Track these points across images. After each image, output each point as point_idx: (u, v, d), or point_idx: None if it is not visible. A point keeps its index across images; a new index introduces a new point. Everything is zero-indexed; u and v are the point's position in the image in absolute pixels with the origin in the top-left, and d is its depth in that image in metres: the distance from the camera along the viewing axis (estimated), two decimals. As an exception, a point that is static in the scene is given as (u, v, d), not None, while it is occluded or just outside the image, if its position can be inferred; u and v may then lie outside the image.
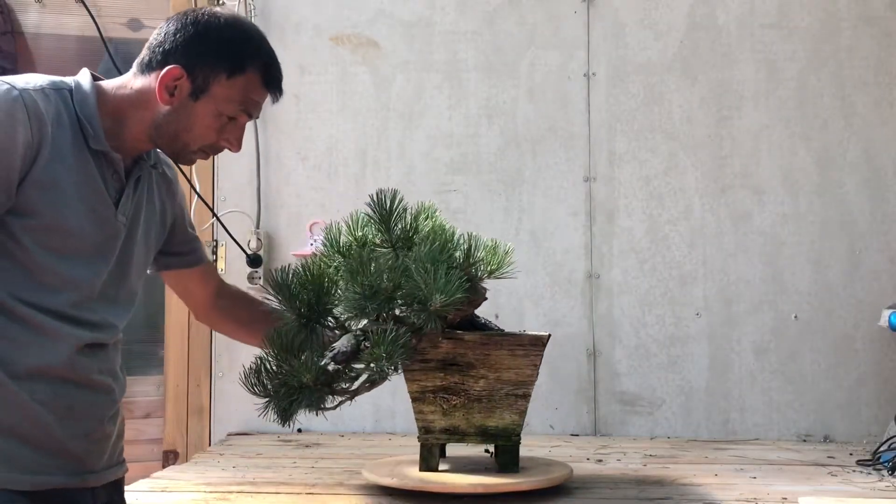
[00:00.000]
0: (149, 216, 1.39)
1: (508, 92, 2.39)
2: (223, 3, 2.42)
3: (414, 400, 1.58)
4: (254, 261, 2.34)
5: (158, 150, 1.37)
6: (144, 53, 1.31)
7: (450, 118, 2.40)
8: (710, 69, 2.37)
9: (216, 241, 2.39)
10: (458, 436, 1.57)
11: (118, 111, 1.30)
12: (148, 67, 1.30)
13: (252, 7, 2.41)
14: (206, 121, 1.31)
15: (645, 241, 2.34)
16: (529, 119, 2.38)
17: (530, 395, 1.55)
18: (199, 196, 2.31)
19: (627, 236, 2.34)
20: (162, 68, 1.27)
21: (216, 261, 2.38)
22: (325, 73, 2.42)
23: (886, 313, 2.17)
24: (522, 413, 1.54)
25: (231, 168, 2.41)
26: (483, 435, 1.56)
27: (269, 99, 1.36)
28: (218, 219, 2.33)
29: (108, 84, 1.32)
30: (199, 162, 2.34)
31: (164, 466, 2.25)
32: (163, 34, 1.30)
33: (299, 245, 2.37)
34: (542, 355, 1.54)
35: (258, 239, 2.36)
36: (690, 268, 2.33)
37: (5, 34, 2.40)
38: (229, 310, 1.59)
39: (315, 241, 2.37)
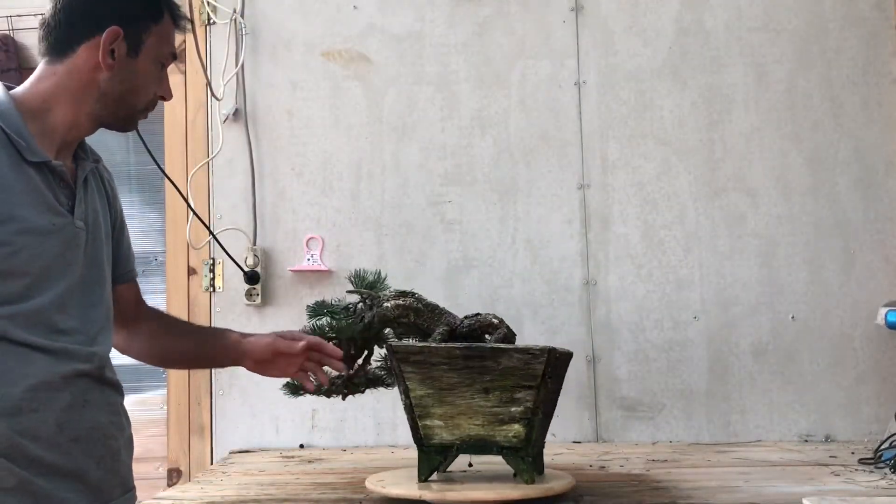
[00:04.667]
0: (104, 214, 1.37)
1: (500, 102, 2.41)
2: (214, 22, 2.43)
3: None
4: (251, 278, 2.34)
5: (104, 128, 1.33)
6: (53, 36, 1.28)
7: (443, 130, 2.41)
8: (699, 74, 2.38)
9: (213, 259, 2.39)
10: None
11: (44, 109, 1.26)
12: (66, 46, 1.27)
13: (242, 24, 2.42)
14: (148, 74, 1.31)
15: (640, 246, 2.35)
16: (522, 128, 2.40)
17: (406, 406, 1.56)
18: (195, 214, 2.32)
19: (623, 242, 2.35)
20: (90, 37, 1.25)
21: (214, 279, 2.39)
22: (318, 89, 2.43)
23: (883, 311, 2.18)
24: (411, 422, 1.57)
25: (226, 185, 2.41)
26: None
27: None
28: (214, 237, 2.33)
29: (21, 89, 1.28)
30: (195, 181, 2.38)
31: (168, 485, 2.25)
32: (65, 10, 1.27)
33: (296, 260, 2.38)
34: (392, 365, 1.56)
35: (255, 255, 2.36)
36: (686, 272, 2.34)
37: (9, 71, 2.42)
38: (154, 331, 1.52)
39: (312, 255, 2.37)
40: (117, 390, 1.36)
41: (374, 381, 1.68)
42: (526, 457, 1.54)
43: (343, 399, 1.67)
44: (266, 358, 1.52)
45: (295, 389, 1.65)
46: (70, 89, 1.27)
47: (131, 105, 1.32)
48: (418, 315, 1.62)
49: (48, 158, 1.24)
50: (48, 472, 1.19)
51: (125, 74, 1.29)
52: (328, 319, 1.60)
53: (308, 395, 1.65)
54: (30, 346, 1.19)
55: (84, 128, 1.31)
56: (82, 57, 1.27)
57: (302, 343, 1.51)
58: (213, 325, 1.63)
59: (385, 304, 1.61)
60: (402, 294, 1.63)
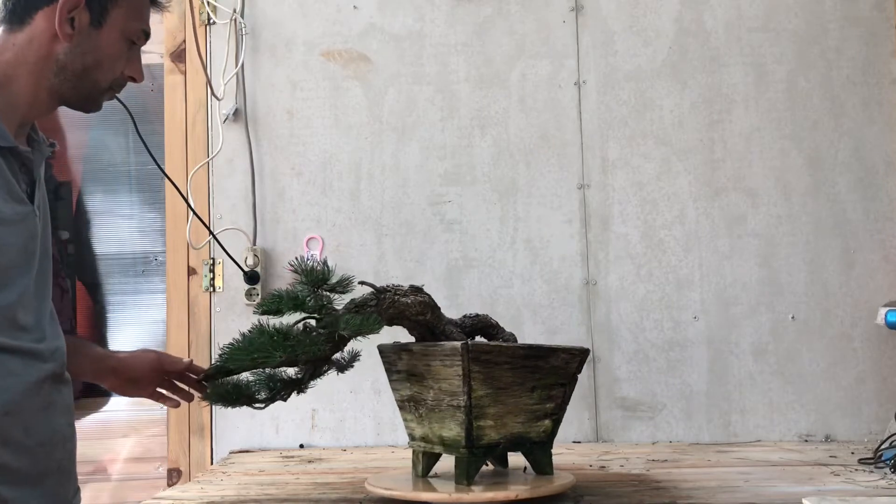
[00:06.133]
0: (47, 200, 1.29)
1: (500, 102, 2.41)
2: (214, 22, 2.43)
3: (398, 408, 1.64)
4: (251, 278, 2.34)
5: (66, 106, 1.25)
6: (12, 1, 1.19)
7: (442, 130, 2.41)
8: (699, 74, 2.38)
9: (213, 259, 2.39)
10: (429, 444, 1.58)
11: (4, 84, 1.17)
12: (24, 12, 1.19)
13: (242, 24, 2.42)
14: (114, 48, 1.22)
15: (640, 246, 2.35)
16: (522, 128, 2.40)
17: (464, 407, 1.48)
18: (195, 214, 2.31)
19: (623, 242, 2.35)
20: (48, 3, 1.17)
21: (214, 279, 2.39)
22: (318, 89, 2.43)
23: (883, 311, 2.18)
24: (462, 424, 1.50)
25: (226, 185, 2.42)
26: (443, 444, 1.56)
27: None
28: (214, 237, 2.33)
29: None
30: (195, 180, 2.38)
31: (168, 485, 2.25)
32: None
33: (296, 260, 2.38)
34: (461, 365, 1.48)
35: (255, 256, 2.36)
36: (686, 272, 2.34)
37: None
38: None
39: (312, 255, 2.37)
40: (71, 389, 1.30)
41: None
42: (549, 450, 1.60)
43: (284, 400, 1.55)
44: (141, 376, 1.48)
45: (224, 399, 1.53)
46: (29, 61, 1.18)
47: (94, 81, 1.22)
48: (433, 312, 1.59)
49: (16, 144, 1.17)
50: (14, 480, 1.14)
51: (87, 47, 1.19)
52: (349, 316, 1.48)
53: (305, 394, 1.59)
54: (1, 349, 1.13)
55: (44, 105, 1.22)
56: (40, 25, 1.17)
57: (187, 361, 1.53)
58: (79, 337, 1.54)
59: (404, 300, 1.55)
60: (418, 290, 1.59)
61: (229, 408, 1.53)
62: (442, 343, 1.55)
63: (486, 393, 1.50)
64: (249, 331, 1.47)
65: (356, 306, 1.53)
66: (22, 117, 1.20)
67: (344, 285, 1.53)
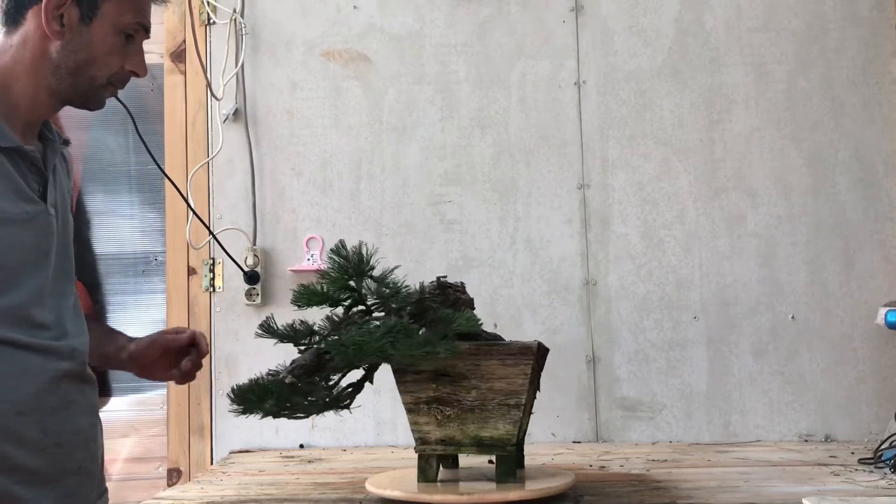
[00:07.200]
0: (67, 196, 1.28)
1: (500, 102, 2.41)
2: (214, 22, 2.43)
3: (408, 411, 1.58)
4: (251, 278, 2.34)
5: (68, 104, 1.24)
6: (6, 2, 1.19)
7: (442, 130, 2.41)
8: (699, 74, 2.38)
9: (213, 259, 2.39)
10: (454, 446, 1.57)
11: (5, 86, 1.18)
12: (17, 13, 1.19)
13: (242, 24, 2.42)
14: (107, 43, 1.20)
15: (640, 246, 2.35)
16: (522, 128, 2.40)
17: (524, 405, 1.52)
18: (195, 214, 2.32)
19: (623, 242, 2.35)
20: (36, 1, 1.16)
21: (214, 279, 2.39)
22: (318, 89, 2.43)
23: (883, 311, 2.18)
24: (516, 423, 1.52)
25: (226, 185, 2.42)
26: (479, 445, 1.54)
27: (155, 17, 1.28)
28: (214, 237, 2.33)
29: None
30: (195, 181, 2.38)
31: (168, 485, 2.25)
32: None
33: (296, 260, 2.38)
34: (531, 364, 1.51)
35: (255, 255, 2.36)
36: (686, 272, 2.34)
37: None
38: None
39: (312, 255, 2.37)
40: (95, 388, 1.30)
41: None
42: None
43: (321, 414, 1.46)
44: (151, 360, 1.41)
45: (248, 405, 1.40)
46: (25, 62, 1.18)
47: (90, 78, 1.21)
48: None
49: (20, 144, 1.16)
50: (29, 480, 1.14)
51: (79, 43, 1.18)
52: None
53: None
54: (13, 345, 1.13)
55: (45, 105, 1.22)
56: (31, 24, 1.17)
57: (187, 334, 1.42)
58: (111, 326, 1.49)
59: (464, 297, 1.55)
60: (464, 288, 1.60)
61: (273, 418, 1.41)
62: (506, 342, 1.57)
63: (529, 391, 1.55)
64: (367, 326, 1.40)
65: (422, 300, 1.50)
66: (25, 118, 1.20)
67: (385, 276, 1.50)
